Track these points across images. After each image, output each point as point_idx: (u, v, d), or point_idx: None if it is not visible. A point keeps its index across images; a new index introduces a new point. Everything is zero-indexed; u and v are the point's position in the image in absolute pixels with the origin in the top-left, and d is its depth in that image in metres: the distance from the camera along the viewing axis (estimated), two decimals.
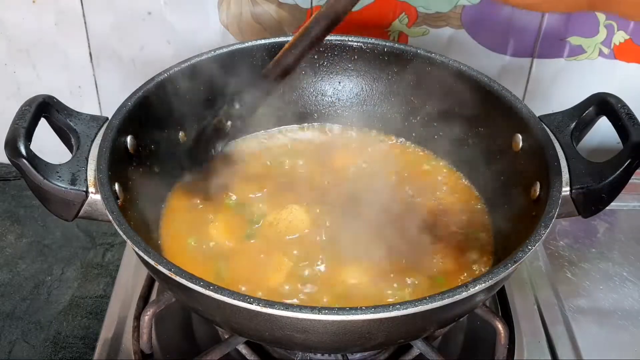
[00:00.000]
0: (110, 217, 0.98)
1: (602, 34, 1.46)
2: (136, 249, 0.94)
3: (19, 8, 1.44)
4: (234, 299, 0.87)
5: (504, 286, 1.29)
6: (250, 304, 0.86)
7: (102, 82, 1.55)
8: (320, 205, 1.23)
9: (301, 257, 1.15)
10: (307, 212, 1.21)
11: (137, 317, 1.21)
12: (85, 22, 1.46)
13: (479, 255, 1.17)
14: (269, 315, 0.87)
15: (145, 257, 0.93)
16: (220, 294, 0.87)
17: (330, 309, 0.86)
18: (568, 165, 1.09)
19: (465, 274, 1.14)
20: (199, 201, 1.24)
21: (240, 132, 1.36)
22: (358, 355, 1.18)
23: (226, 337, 1.18)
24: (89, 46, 1.49)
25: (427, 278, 1.13)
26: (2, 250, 1.47)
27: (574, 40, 1.48)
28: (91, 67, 1.52)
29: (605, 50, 1.49)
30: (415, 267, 1.14)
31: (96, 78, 1.54)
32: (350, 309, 0.86)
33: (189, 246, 1.17)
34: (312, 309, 0.86)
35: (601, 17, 1.44)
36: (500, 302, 1.30)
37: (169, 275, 0.90)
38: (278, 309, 0.86)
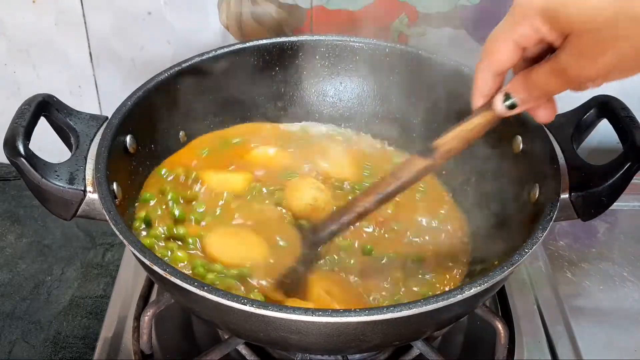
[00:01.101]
0: (107, 217, 0.98)
1: None
2: (132, 249, 0.94)
3: (19, 8, 1.44)
4: (228, 299, 0.87)
5: (504, 286, 1.28)
6: (244, 305, 0.86)
7: (102, 82, 1.55)
8: None
9: None
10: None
11: (137, 317, 1.21)
12: (85, 22, 1.46)
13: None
14: (263, 316, 0.87)
15: (141, 257, 0.93)
16: (214, 295, 0.87)
17: (323, 311, 0.86)
18: (568, 168, 1.08)
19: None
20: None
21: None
22: (357, 355, 1.18)
23: (226, 337, 1.17)
24: (89, 46, 1.50)
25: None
26: (2, 250, 1.47)
27: None
28: (91, 67, 1.52)
29: None
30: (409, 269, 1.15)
31: (96, 78, 1.54)
32: (344, 311, 0.86)
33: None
34: (306, 310, 0.86)
35: None
36: (500, 302, 1.29)
37: (164, 275, 0.90)
38: (272, 310, 0.86)
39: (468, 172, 1.28)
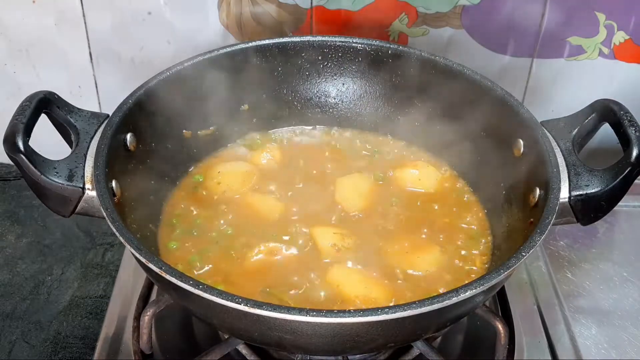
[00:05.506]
0: (105, 214, 0.98)
1: (602, 34, 1.46)
2: (128, 246, 0.95)
3: (19, 8, 1.44)
4: (222, 298, 0.87)
5: (504, 286, 1.28)
6: (239, 304, 0.86)
7: (102, 82, 1.55)
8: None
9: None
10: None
11: (137, 317, 1.21)
12: (85, 22, 1.46)
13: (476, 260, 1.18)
14: (257, 315, 0.87)
15: (137, 254, 0.94)
16: (209, 294, 0.88)
17: (318, 312, 0.86)
18: (568, 172, 1.08)
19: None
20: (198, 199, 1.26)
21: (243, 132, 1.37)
22: (357, 355, 1.18)
23: (226, 337, 1.18)
24: (89, 46, 1.49)
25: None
26: (2, 250, 1.47)
27: (574, 40, 1.47)
28: (91, 67, 1.52)
29: (605, 50, 1.49)
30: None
31: (96, 78, 1.54)
32: (338, 311, 0.86)
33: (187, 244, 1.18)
34: (300, 310, 0.86)
35: (601, 17, 1.43)
36: (500, 302, 1.29)
37: (159, 273, 0.91)
38: (265, 310, 0.86)
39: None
